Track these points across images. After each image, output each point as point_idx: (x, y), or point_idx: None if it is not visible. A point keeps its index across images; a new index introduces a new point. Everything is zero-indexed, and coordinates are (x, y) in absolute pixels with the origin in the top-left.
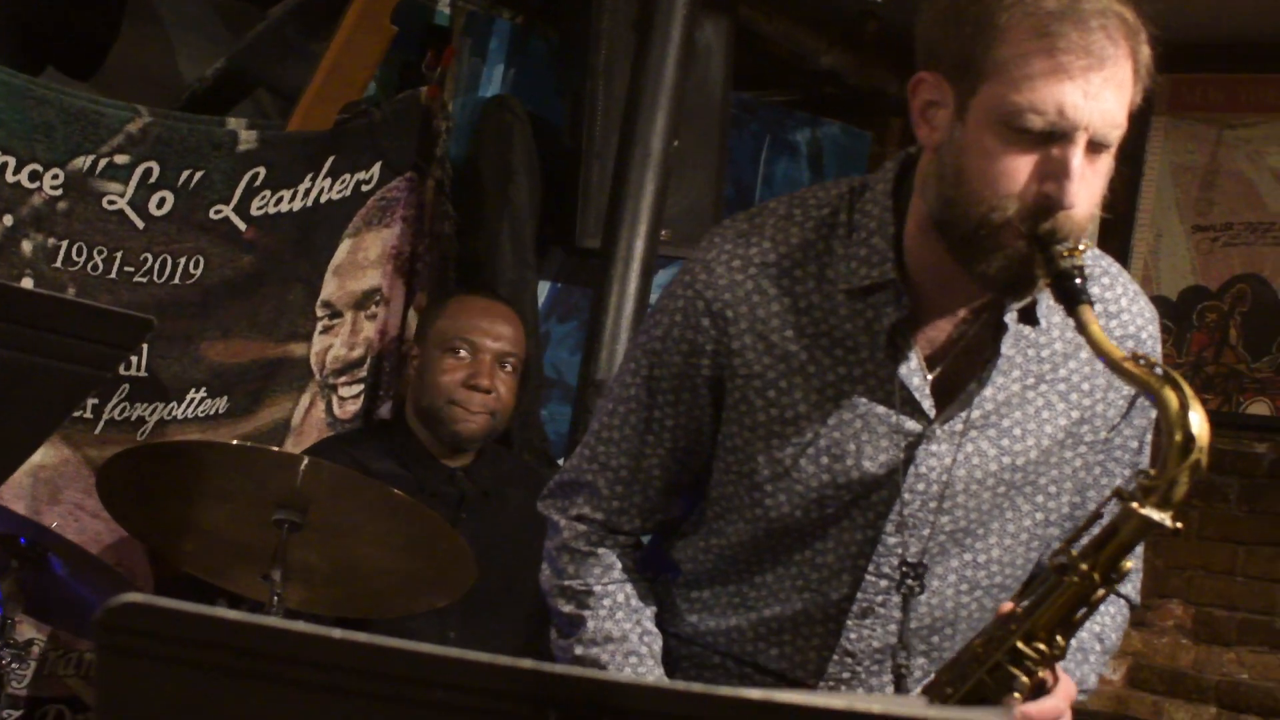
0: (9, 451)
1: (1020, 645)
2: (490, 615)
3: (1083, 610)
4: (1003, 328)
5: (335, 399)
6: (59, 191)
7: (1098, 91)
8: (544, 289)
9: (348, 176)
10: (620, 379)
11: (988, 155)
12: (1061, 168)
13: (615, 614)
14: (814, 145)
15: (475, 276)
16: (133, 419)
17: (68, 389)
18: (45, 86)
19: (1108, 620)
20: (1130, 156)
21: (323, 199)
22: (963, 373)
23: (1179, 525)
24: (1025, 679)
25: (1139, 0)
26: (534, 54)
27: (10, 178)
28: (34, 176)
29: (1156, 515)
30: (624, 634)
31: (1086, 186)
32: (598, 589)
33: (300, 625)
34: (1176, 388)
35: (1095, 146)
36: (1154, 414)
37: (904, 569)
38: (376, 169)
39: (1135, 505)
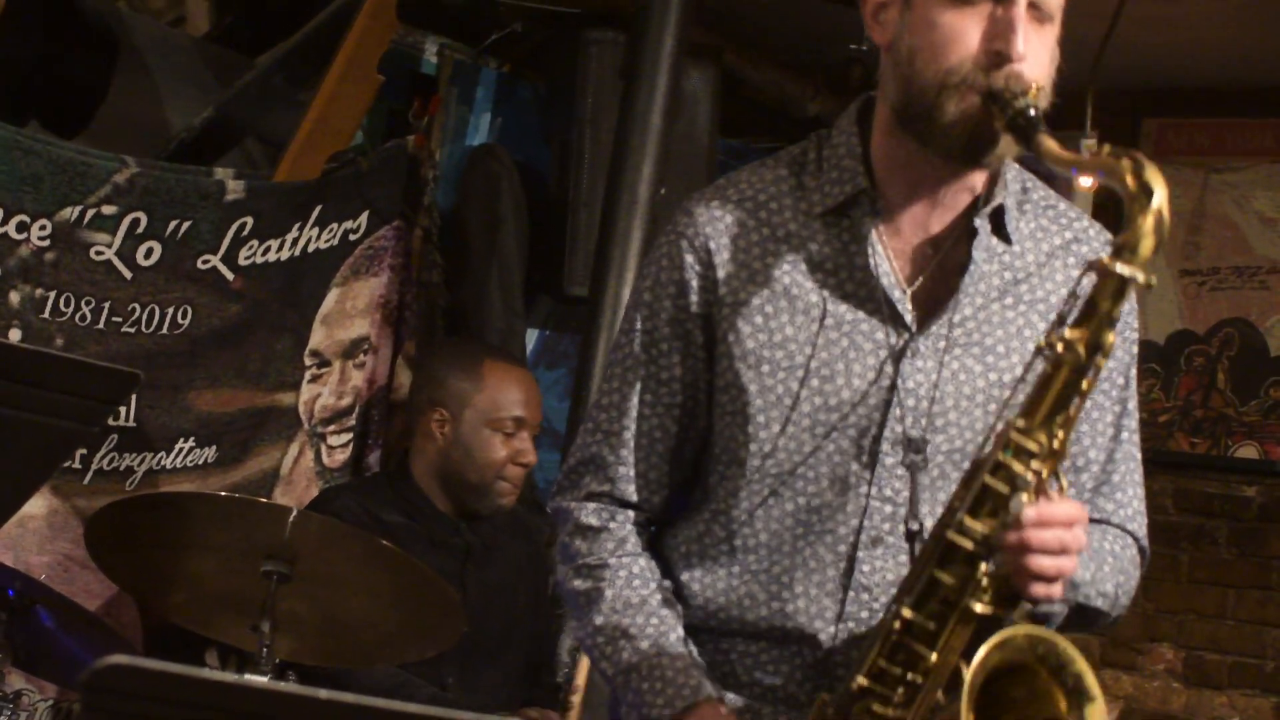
0: None
1: (1018, 438)
2: (488, 662)
3: (1075, 400)
4: (974, 233)
5: (324, 448)
6: (47, 242)
7: None
8: (532, 336)
9: (335, 226)
10: (616, 344)
11: (935, 27)
12: (1007, 24)
13: (632, 582)
14: None
15: (463, 325)
16: (121, 469)
17: (54, 444)
18: (32, 138)
19: (1117, 548)
20: (1116, 201)
21: (310, 248)
22: (941, 287)
23: (1152, 282)
24: (1029, 475)
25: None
26: (520, 102)
27: None
28: (21, 227)
29: (1128, 270)
30: (643, 599)
31: (1034, 50)
32: (612, 561)
33: (286, 686)
34: (1131, 157)
35: (1036, 13)
36: (1135, 350)
37: (904, 443)
38: (364, 218)
39: (1107, 261)
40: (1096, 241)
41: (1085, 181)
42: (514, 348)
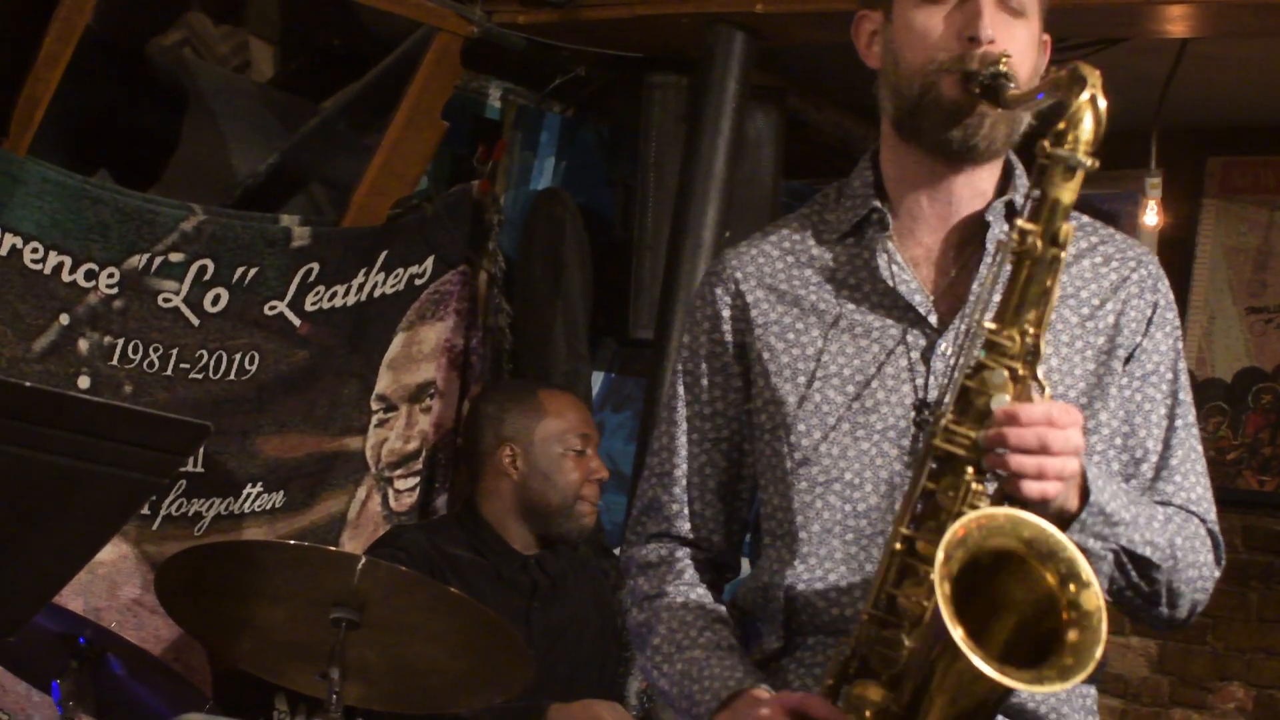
0: (67, 559)
1: (991, 334)
2: (556, 700)
3: (1045, 298)
4: (987, 227)
5: (391, 492)
6: (115, 290)
7: None
8: (598, 379)
9: (401, 270)
10: (665, 393)
11: (910, 29)
12: (973, 12)
13: (689, 604)
14: None
15: (529, 368)
16: (190, 514)
17: (125, 496)
18: (100, 186)
19: (1178, 520)
20: (1182, 239)
21: (376, 293)
22: (963, 287)
23: (1096, 163)
24: (1004, 371)
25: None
26: (584, 147)
27: (66, 277)
28: (90, 275)
29: (1065, 152)
30: (697, 616)
31: (1005, 38)
32: (669, 589)
33: None
34: (1070, 65)
35: (1007, 6)
36: (1180, 345)
37: (915, 408)
38: (429, 263)
39: (1048, 145)
40: (1124, 243)
41: (1150, 220)
42: (579, 391)
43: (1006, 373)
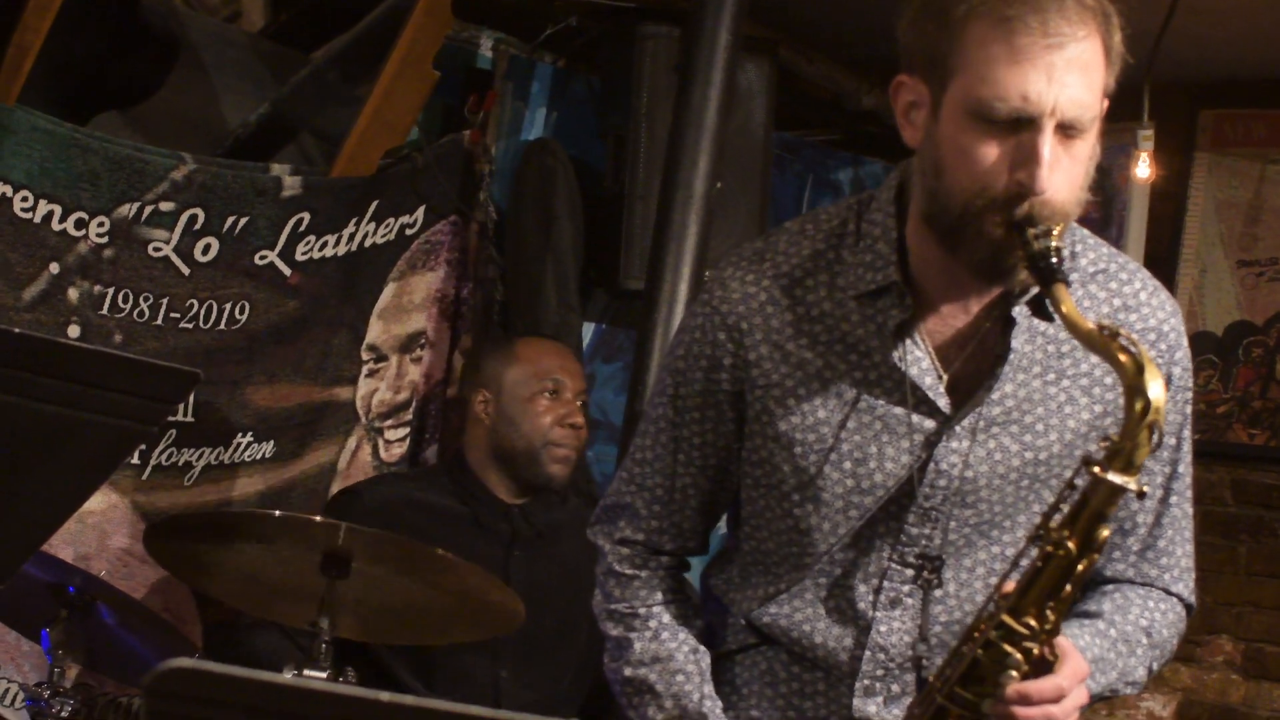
0: (55, 507)
1: (1008, 620)
2: (543, 655)
3: (1069, 585)
4: (1011, 322)
5: (381, 442)
6: (105, 239)
7: (1061, 75)
8: (588, 330)
9: (391, 220)
10: (651, 400)
11: (961, 149)
12: (1031, 154)
13: (660, 634)
14: (856, 184)
15: (520, 319)
16: (180, 464)
17: (114, 444)
18: (90, 135)
19: (1157, 616)
20: (1174, 192)
21: (367, 243)
22: (979, 370)
23: (1144, 489)
24: (1019, 655)
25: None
26: (575, 97)
27: (56, 226)
28: (80, 225)
29: (1120, 479)
30: (669, 653)
31: (1062, 172)
32: (643, 611)
33: (347, 689)
34: (1133, 354)
35: (1068, 131)
36: (1189, 409)
37: (920, 561)
38: (420, 213)
39: (1099, 471)
40: (1147, 307)
41: (1142, 173)
42: (569, 342)
43: (1020, 655)
